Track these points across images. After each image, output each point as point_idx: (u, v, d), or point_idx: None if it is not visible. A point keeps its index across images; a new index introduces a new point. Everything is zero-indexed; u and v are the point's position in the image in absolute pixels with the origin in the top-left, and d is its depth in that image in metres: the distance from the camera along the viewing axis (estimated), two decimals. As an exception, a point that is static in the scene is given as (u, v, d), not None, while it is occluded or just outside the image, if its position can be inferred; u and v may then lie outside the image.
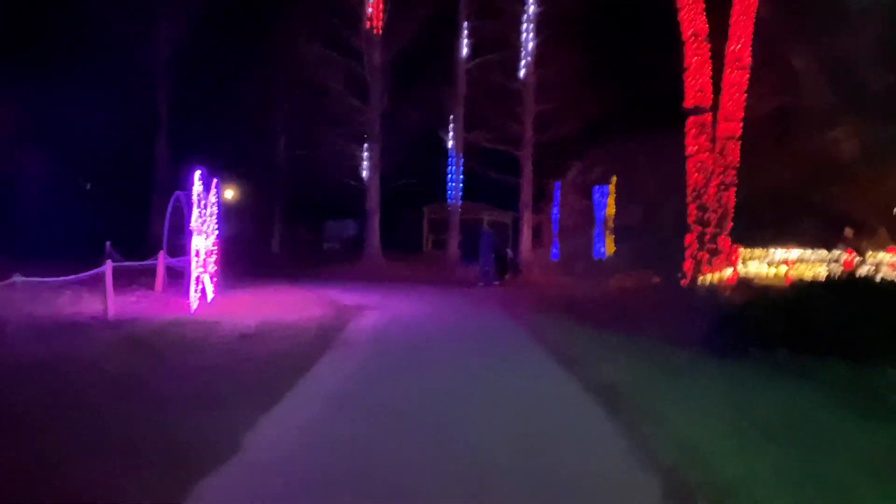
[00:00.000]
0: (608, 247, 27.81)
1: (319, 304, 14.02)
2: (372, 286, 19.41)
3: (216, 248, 13.73)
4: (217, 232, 13.69)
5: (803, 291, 10.61)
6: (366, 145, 26.11)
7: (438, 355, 9.33)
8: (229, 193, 18.89)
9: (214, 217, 13.41)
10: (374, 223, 26.15)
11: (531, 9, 25.95)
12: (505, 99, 26.14)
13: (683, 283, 16.83)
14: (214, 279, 13.85)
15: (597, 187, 28.22)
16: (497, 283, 21.79)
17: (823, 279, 14.03)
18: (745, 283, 14.15)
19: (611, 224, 27.96)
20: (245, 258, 22.13)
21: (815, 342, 8.55)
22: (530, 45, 26.02)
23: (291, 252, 28.07)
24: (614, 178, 27.72)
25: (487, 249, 22.09)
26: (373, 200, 25.90)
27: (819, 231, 20.27)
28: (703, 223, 20.65)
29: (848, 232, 18.73)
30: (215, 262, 13.74)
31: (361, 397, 6.93)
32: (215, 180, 13.49)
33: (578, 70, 25.07)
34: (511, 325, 12.64)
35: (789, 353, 8.74)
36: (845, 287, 10.36)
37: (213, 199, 13.30)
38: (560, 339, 10.61)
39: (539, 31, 26.07)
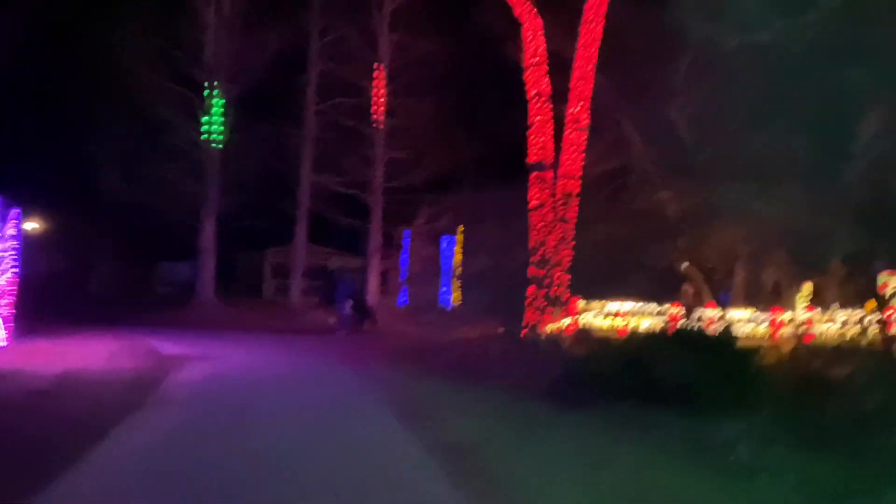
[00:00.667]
0: (454, 296, 27.85)
1: (136, 355, 12.42)
2: (203, 334, 17.81)
3: (12, 287, 11.82)
4: (14, 269, 11.81)
5: (641, 344, 10.72)
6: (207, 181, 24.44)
7: (267, 415, 8.29)
8: (31, 225, 16.65)
9: (11, 252, 11.57)
10: (209, 265, 24.35)
11: (384, 59, 25.84)
12: (356, 143, 25.69)
13: (523, 333, 16.91)
14: (9, 324, 11.89)
15: (444, 237, 28.34)
16: (353, 330, 20.93)
17: (657, 331, 14.55)
18: (585, 334, 14.32)
19: (458, 273, 28.09)
20: (58, 300, 19.71)
21: (658, 394, 8.54)
22: (382, 92, 25.83)
23: (118, 294, 25.46)
24: (461, 228, 28.03)
25: (344, 296, 21.27)
26: (207, 240, 24.15)
27: (648, 285, 21.32)
28: (544, 275, 21.15)
29: (688, 289, 19.74)
30: (9, 305, 11.81)
31: (163, 467, 5.83)
32: (15, 210, 11.69)
33: (429, 120, 25.22)
34: (352, 377, 11.82)
35: (634, 405, 8.67)
36: (679, 340, 10.58)
37: (10, 231, 11.48)
38: (405, 392, 9.96)
39: (391, 79, 26.00)
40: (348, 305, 21.25)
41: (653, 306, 20.95)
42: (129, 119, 22.93)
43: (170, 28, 22.85)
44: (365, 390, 10.37)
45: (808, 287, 24.25)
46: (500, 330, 16.72)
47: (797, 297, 24.67)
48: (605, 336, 14.44)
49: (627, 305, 20.94)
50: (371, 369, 12.52)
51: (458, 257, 28.72)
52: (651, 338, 10.43)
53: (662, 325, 20.58)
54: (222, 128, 23.50)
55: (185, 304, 24.02)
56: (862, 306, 20.92)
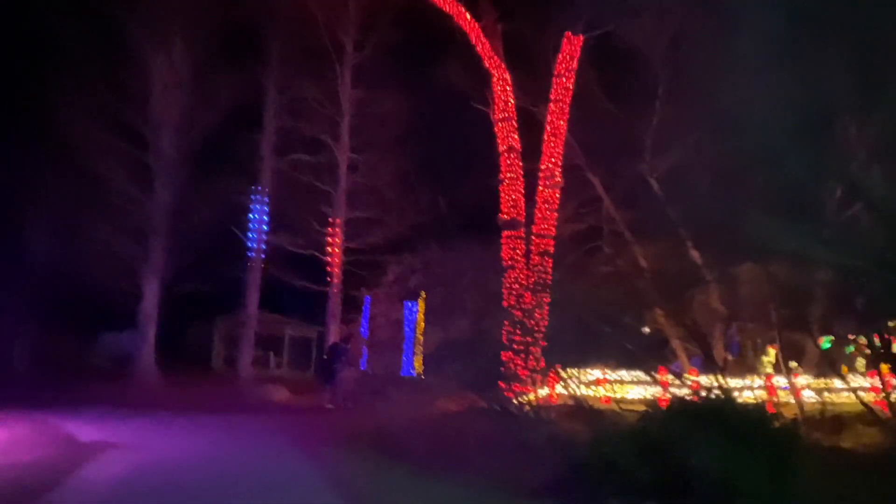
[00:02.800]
0: (417, 365, 26.18)
1: (42, 443, 10.21)
2: (136, 414, 15.48)
3: None
4: None
5: (658, 421, 9.00)
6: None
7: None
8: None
9: None
10: (149, 335, 21.98)
11: (345, 114, 24.56)
12: (314, 201, 24.05)
13: (504, 405, 14.98)
14: None
15: (407, 302, 26.81)
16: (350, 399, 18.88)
17: (651, 401, 12.86)
18: (578, 408, 12.53)
19: (420, 341, 26.45)
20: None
21: (692, 491, 6.84)
22: (344, 149, 24.43)
23: (46, 371, 22.73)
24: (423, 294, 26.52)
25: (344, 365, 19.21)
26: (149, 307, 21.85)
27: (628, 351, 19.87)
28: (520, 341, 19.52)
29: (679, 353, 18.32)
30: None
31: None
32: None
33: (393, 177, 23.91)
34: (307, 471, 9.78)
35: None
36: (699, 415, 8.92)
37: None
38: (369, 491, 8.01)
39: (352, 135, 24.66)
40: (349, 372, 19.27)
41: (636, 374, 19.51)
42: (62, 173, 20.92)
43: (112, 78, 21.13)
44: (319, 488, 8.40)
45: (771, 351, 23.21)
46: (479, 404, 14.82)
47: (763, 361, 23.58)
48: (598, 410, 12.65)
49: (610, 373, 19.45)
50: (329, 458, 10.51)
51: (421, 324, 27.12)
52: (665, 413, 8.70)
53: (653, 394, 19.09)
54: None
55: (121, 379, 21.50)
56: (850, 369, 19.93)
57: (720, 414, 7.67)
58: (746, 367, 21.58)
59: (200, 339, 32.19)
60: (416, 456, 10.41)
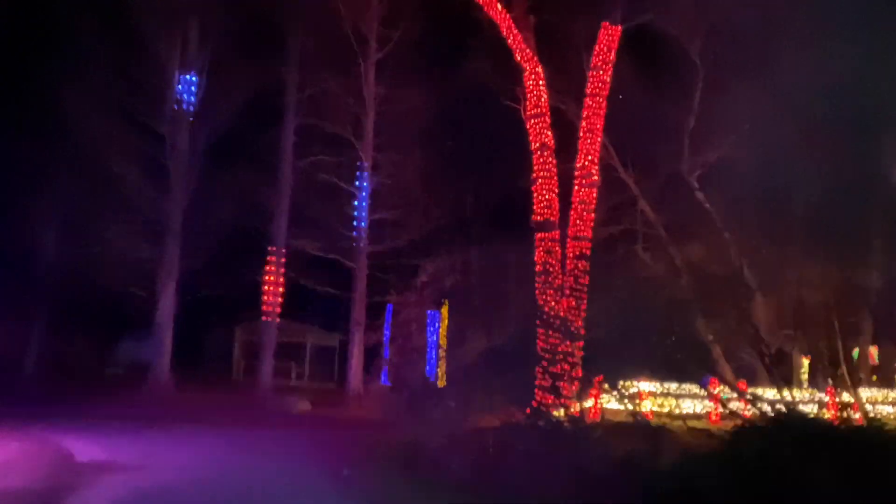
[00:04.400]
0: (440, 374, 25.07)
1: (37, 464, 9.10)
2: (147, 428, 14.40)
3: None
4: None
5: (742, 444, 7.63)
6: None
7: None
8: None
9: None
10: (165, 342, 20.90)
11: (368, 111, 23.47)
12: (337, 202, 22.93)
13: (541, 417, 13.63)
14: None
15: (430, 311, 25.70)
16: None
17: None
18: (636, 425, 11.17)
19: (443, 350, 25.36)
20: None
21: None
22: (367, 147, 23.31)
23: (55, 378, 21.77)
24: (446, 302, 25.44)
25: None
26: (165, 311, 20.78)
27: (671, 361, 18.57)
28: (555, 350, 18.23)
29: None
30: None
31: None
32: None
33: (418, 176, 22.76)
34: (334, 494, 8.57)
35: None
36: (790, 433, 7.51)
37: None
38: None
39: (376, 133, 23.55)
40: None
41: (687, 387, 18.18)
42: (74, 171, 20.02)
43: (127, 73, 20.22)
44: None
45: (805, 362, 21.76)
46: (516, 418, 13.51)
47: (799, 373, 22.09)
48: (657, 427, 11.25)
49: (658, 385, 18.14)
50: (359, 481, 9.30)
51: (444, 333, 26.06)
52: (760, 434, 7.32)
53: (706, 407, 17.75)
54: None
55: (135, 388, 20.46)
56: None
57: (850, 440, 6.30)
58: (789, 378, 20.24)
59: (219, 346, 31.16)
60: (455, 478, 9.19)
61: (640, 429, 10.81)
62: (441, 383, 24.43)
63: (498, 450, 10.62)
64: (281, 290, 22.65)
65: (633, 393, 17.79)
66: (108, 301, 21.72)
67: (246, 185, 21.70)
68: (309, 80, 22.87)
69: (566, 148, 19.80)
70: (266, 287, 22.33)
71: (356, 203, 23.11)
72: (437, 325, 26.42)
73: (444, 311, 25.89)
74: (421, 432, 10.48)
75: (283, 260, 22.31)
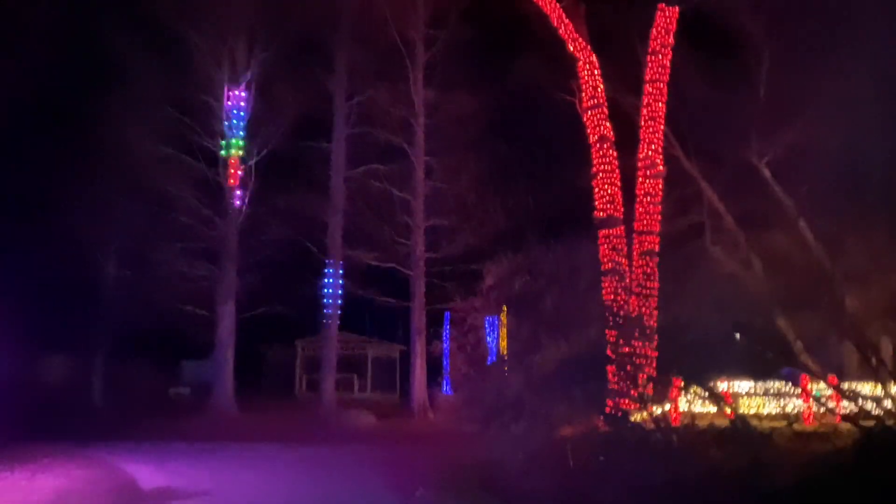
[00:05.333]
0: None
1: (97, 492, 8.68)
2: (211, 450, 14.04)
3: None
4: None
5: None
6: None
7: None
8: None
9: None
10: (227, 362, 20.67)
11: (419, 116, 22.94)
12: (391, 210, 22.44)
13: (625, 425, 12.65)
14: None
15: (488, 318, 24.91)
16: None
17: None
18: (734, 431, 10.09)
19: (504, 357, 24.52)
20: (51, 413, 16.38)
21: None
22: (420, 152, 22.78)
23: (122, 403, 21.77)
24: (504, 309, 24.62)
25: None
26: (224, 332, 20.55)
27: (755, 360, 17.40)
28: (628, 352, 17.30)
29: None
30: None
31: None
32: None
33: (474, 181, 22.11)
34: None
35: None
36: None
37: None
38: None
39: (428, 138, 22.99)
40: None
41: (771, 385, 16.94)
42: (129, 195, 20.03)
43: (178, 93, 20.17)
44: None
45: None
46: (597, 424, 12.54)
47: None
48: (763, 433, 10.13)
49: (738, 385, 16.95)
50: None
51: (504, 339, 25.24)
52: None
53: (795, 408, 16.49)
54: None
55: (198, 410, 20.28)
56: None
57: None
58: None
59: (281, 363, 31.00)
60: (539, 498, 8.37)
61: (738, 435, 9.77)
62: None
63: (584, 465, 9.74)
64: (339, 302, 22.21)
65: (715, 393, 16.70)
66: (169, 324, 21.66)
67: (299, 199, 21.44)
68: (358, 88, 22.52)
69: (625, 143, 18.97)
70: (324, 301, 21.94)
71: (410, 210, 22.55)
72: (496, 331, 25.69)
73: (503, 316, 25.10)
74: (498, 448, 9.67)
75: (340, 272, 21.87)
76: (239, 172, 20.20)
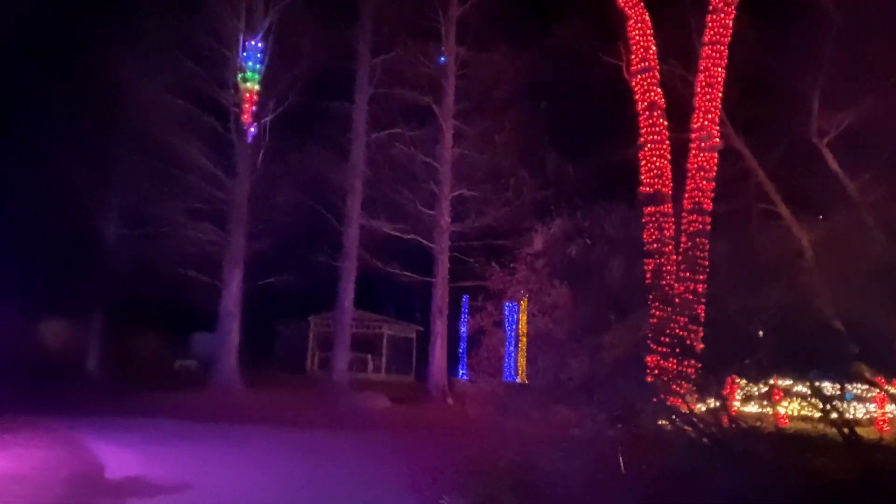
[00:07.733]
0: (520, 370, 22.75)
1: (53, 480, 7.09)
2: (205, 430, 12.47)
3: None
4: None
5: None
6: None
7: None
8: None
9: None
10: (232, 333, 19.06)
11: (449, 76, 21.09)
12: (415, 177, 20.67)
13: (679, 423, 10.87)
14: None
15: (507, 304, 23.31)
16: None
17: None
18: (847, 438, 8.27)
19: (523, 342, 23.02)
20: (39, 383, 15.05)
21: None
22: (448, 114, 20.93)
23: (118, 373, 20.36)
24: (525, 297, 23.06)
25: None
26: (230, 303, 18.94)
27: (807, 357, 15.56)
28: (673, 342, 15.60)
29: None
30: None
31: None
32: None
33: (506, 148, 20.28)
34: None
35: None
36: None
37: None
38: None
39: (458, 101, 21.14)
40: None
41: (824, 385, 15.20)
42: (134, 149, 18.44)
43: (188, 41, 18.47)
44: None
45: None
46: (655, 425, 10.79)
47: None
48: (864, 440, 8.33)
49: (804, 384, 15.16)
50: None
51: (523, 325, 23.74)
52: None
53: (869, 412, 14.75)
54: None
55: (200, 384, 18.77)
56: None
57: None
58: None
59: (293, 338, 29.61)
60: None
61: (845, 442, 7.95)
62: (521, 379, 22.11)
63: (630, 467, 8.04)
64: (355, 275, 20.52)
65: (765, 392, 15.04)
66: (174, 292, 20.11)
67: (316, 162, 19.75)
68: (383, 44, 20.68)
69: (675, 116, 17.22)
70: (340, 273, 20.28)
71: (436, 177, 20.73)
72: (515, 316, 24.25)
73: (523, 303, 23.59)
74: (548, 449, 7.95)
75: (357, 243, 20.17)
76: (253, 108, 18.37)
